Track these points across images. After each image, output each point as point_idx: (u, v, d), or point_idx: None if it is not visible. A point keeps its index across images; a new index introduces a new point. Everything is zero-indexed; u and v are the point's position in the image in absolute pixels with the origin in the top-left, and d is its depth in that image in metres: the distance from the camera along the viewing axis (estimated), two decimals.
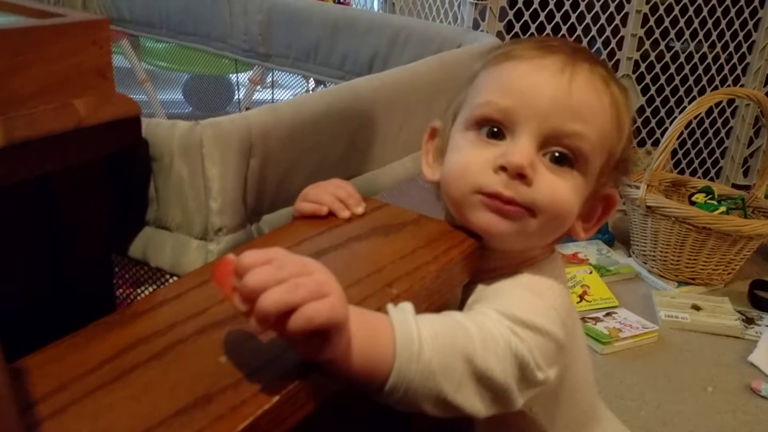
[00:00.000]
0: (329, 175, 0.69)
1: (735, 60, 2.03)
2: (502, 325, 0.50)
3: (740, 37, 2.01)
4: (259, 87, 2.31)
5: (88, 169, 0.55)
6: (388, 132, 0.77)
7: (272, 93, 1.86)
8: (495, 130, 0.56)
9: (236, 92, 2.48)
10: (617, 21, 1.93)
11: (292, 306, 0.37)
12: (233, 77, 2.52)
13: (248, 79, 2.22)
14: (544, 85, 0.54)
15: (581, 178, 0.56)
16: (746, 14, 1.98)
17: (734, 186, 2.09)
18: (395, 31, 1.08)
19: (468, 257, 0.57)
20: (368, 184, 0.75)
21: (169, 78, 2.41)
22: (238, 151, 0.59)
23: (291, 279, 0.38)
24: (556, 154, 0.55)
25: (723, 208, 1.74)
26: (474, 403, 0.47)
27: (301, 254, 0.54)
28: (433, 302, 0.53)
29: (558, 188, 0.55)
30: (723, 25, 1.98)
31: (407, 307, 0.47)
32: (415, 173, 0.83)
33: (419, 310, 0.53)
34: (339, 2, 2.28)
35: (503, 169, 0.54)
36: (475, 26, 1.87)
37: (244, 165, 0.60)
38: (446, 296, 0.57)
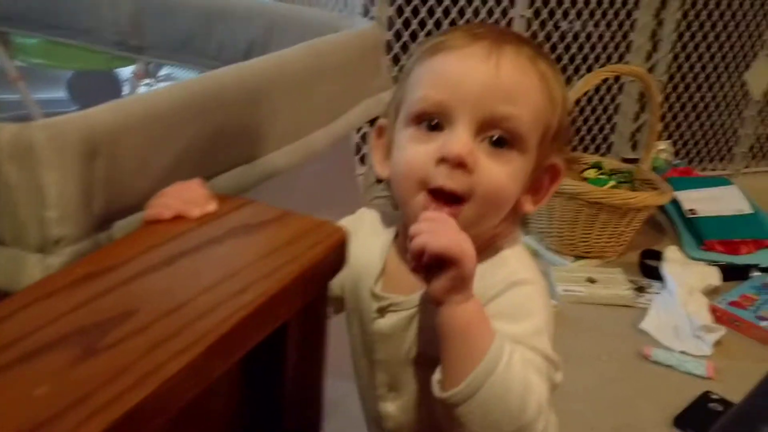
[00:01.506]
0: (191, 173, 0.65)
1: (618, 37, 2.10)
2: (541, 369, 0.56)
3: (622, 16, 2.07)
4: (148, 80, 2.21)
5: None
6: (258, 123, 0.73)
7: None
8: (434, 123, 0.58)
9: (124, 88, 2.37)
10: (505, 2, 1.95)
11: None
12: (121, 72, 2.41)
13: (132, 73, 2.13)
14: (473, 73, 0.56)
15: (520, 157, 0.58)
16: None
17: (624, 160, 2.16)
18: (272, 18, 1.04)
19: (335, 252, 0.55)
20: (239, 179, 0.71)
21: (49, 75, 2.27)
22: (79, 153, 0.54)
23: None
24: (494, 138, 0.57)
25: (613, 182, 1.80)
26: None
27: (146, 263, 0.51)
28: (293, 305, 0.50)
29: (496, 174, 0.57)
30: (606, 3, 2.04)
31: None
32: (292, 166, 0.80)
33: (278, 314, 0.50)
34: None
35: (444, 160, 0.56)
36: (365, 12, 1.84)
37: (87, 168, 0.55)
38: (312, 295, 0.54)
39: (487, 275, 0.59)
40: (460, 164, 0.55)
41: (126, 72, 2.29)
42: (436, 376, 0.55)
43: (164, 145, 0.61)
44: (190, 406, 0.44)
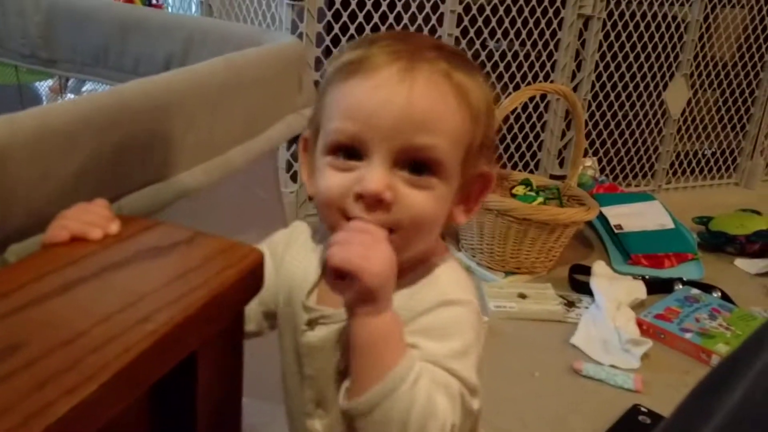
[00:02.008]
0: (96, 192, 0.61)
1: (544, 57, 2.14)
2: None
3: (547, 36, 2.12)
4: (70, 95, 2.11)
5: None
6: (170, 140, 0.69)
7: None
8: (351, 152, 0.56)
9: (44, 103, 2.26)
10: (434, 21, 1.96)
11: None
12: (39, 86, 2.29)
13: (49, 88, 2.02)
14: (386, 104, 0.54)
15: (442, 182, 0.57)
16: (551, 14, 2.09)
17: (552, 176, 2.20)
18: (189, 32, 1.01)
19: (247, 276, 0.52)
20: (148, 200, 0.67)
21: None
22: None
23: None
24: (412, 167, 0.55)
25: (541, 199, 1.83)
26: None
27: (40, 290, 0.46)
28: (202, 333, 0.47)
29: (418, 203, 0.56)
30: (531, 24, 2.08)
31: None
32: (209, 185, 0.76)
33: (186, 343, 0.47)
34: (150, 4, 2.13)
35: (361, 197, 0.55)
36: (294, 28, 1.82)
37: None
38: (224, 322, 0.51)
39: (417, 294, 0.58)
40: (378, 201, 0.55)
41: (44, 87, 2.18)
42: (346, 383, 0.55)
43: (62, 161, 0.57)
44: None
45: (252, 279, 0.52)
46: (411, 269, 0.60)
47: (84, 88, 2.24)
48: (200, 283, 0.48)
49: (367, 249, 0.52)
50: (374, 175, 0.54)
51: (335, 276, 0.54)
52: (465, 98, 0.56)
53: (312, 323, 0.63)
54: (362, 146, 0.55)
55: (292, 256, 0.66)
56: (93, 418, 0.40)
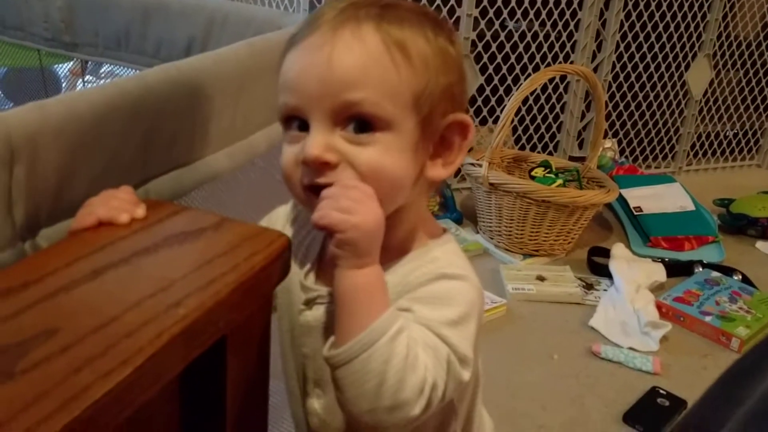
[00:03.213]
0: (122, 177, 0.62)
1: (564, 37, 2.12)
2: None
3: (567, 16, 2.09)
4: (89, 77, 2.12)
5: None
6: (194, 124, 0.70)
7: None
8: (300, 123, 0.57)
9: (63, 86, 2.27)
10: (453, 2, 1.94)
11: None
12: (59, 69, 2.31)
13: (69, 70, 2.04)
14: (308, 70, 0.55)
15: (391, 135, 0.55)
16: None
17: (571, 158, 2.19)
18: (210, 15, 1.01)
19: (275, 261, 0.52)
20: (174, 184, 0.68)
21: None
22: None
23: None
24: (354, 125, 0.55)
25: (560, 181, 1.82)
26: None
27: (71, 276, 0.47)
28: (232, 318, 0.48)
29: (366, 157, 0.55)
30: (551, 4, 2.06)
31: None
32: (233, 169, 0.77)
33: (216, 327, 0.47)
34: None
35: (306, 163, 0.55)
36: (312, 10, 1.81)
37: (5, 175, 0.51)
38: (253, 307, 0.51)
39: (415, 271, 0.59)
40: (321, 164, 0.55)
41: (65, 69, 2.20)
42: (333, 337, 0.55)
43: (91, 147, 0.57)
44: (121, 427, 0.40)
45: (279, 264, 0.53)
46: (406, 249, 0.61)
47: (102, 70, 2.25)
48: (229, 269, 0.49)
49: (353, 202, 0.53)
50: (311, 141, 0.55)
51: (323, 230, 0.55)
52: (400, 48, 0.55)
53: (309, 303, 0.63)
54: (303, 115, 0.56)
55: (292, 234, 0.66)
56: (127, 401, 0.41)
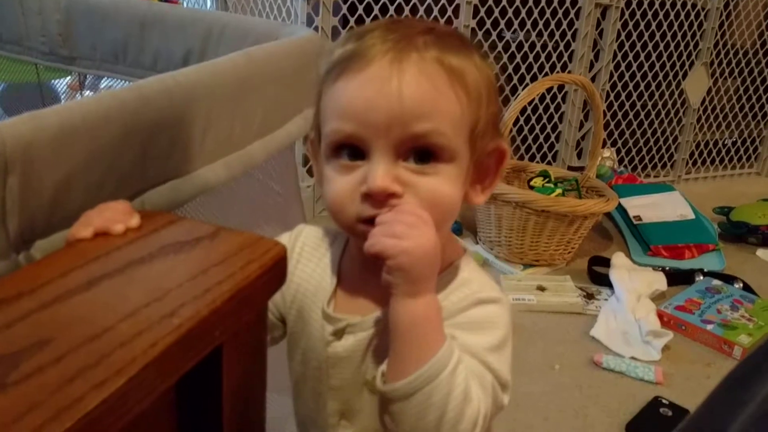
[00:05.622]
0: (118, 188, 0.61)
1: (561, 47, 2.13)
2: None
3: (564, 26, 2.10)
4: (88, 92, 2.12)
5: None
6: (190, 136, 0.69)
7: None
8: (353, 151, 0.55)
9: (63, 100, 2.28)
10: (449, 13, 1.95)
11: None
12: (57, 84, 2.32)
13: (67, 85, 2.04)
14: (377, 101, 0.53)
15: (450, 165, 0.56)
16: (568, 3, 2.08)
17: (570, 168, 2.19)
18: (208, 27, 1.01)
19: (271, 270, 0.52)
20: (171, 194, 0.67)
21: None
22: None
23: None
24: (417, 157, 0.55)
25: (559, 191, 1.81)
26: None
27: (65, 286, 0.47)
28: (227, 327, 0.47)
29: (430, 187, 0.55)
30: (548, 14, 2.07)
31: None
32: (229, 180, 0.77)
33: (211, 337, 0.47)
34: (167, 0, 2.14)
35: (369, 196, 0.54)
36: (309, 22, 1.82)
37: None
38: (248, 316, 0.51)
39: (451, 296, 0.58)
40: (387, 196, 0.54)
41: (63, 84, 2.20)
42: (383, 367, 0.54)
43: (86, 157, 0.57)
44: None
45: (276, 273, 0.52)
46: (439, 272, 0.59)
47: (102, 85, 2.26)
48: (225, 278, 0.49)
49: (406, 227, 0.52)
50: (377, 172, 0.54)
51: (375, 258, 0.53)
52: (460, 80, 0.55)
53: (338, 333, 0.61)
54: (362, 144, 0.55)
55: (301, 263, 0.65)
56: (122, 411, 0.40)
